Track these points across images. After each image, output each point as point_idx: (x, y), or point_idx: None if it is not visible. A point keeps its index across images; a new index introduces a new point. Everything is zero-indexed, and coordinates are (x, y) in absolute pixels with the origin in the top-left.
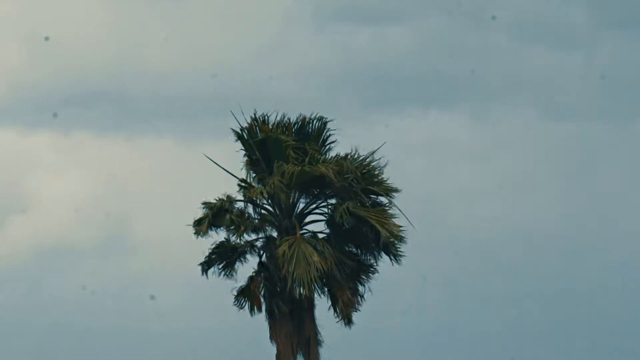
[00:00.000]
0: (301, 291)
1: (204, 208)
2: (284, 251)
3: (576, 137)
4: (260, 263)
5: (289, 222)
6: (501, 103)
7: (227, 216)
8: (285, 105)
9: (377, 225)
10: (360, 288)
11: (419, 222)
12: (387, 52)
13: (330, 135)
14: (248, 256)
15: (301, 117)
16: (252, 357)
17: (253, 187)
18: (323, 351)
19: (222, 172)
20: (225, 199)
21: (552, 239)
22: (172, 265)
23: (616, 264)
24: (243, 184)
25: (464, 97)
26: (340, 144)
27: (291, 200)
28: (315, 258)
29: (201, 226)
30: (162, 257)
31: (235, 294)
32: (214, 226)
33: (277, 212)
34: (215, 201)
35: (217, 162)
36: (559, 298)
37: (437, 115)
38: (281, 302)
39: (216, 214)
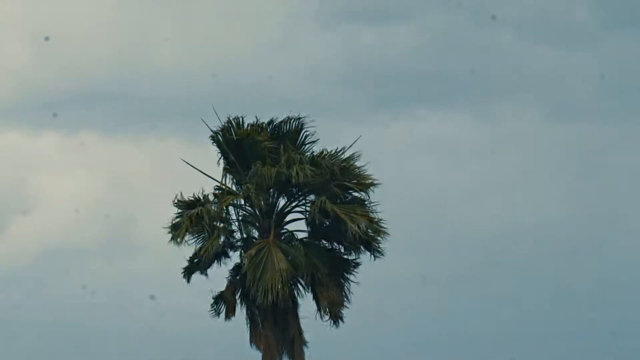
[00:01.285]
0: (265, 299)
1: (178, 207)
2: (251, 256)
3: (580, 136)
4: (237, 266)
5: (269, 222)
6: (506, 102)
7: (203, 222)
8: (289, 104)
9: (347, 221)
10: (346, 285)
11: (424, 221)
12: (391, 51)
13: (307, 134)
14: (228, 258)
15: (277, 118)
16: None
17: (227, 194)
18: (309, 351)
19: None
20: (201, 199)
21: (555, 238)
22: (175, 265)
23: (621, 263)
24: (218, 191)
25: (468, 96)
26: (321, 142)
27: (270, 200)
28: (283, 265)
29: (179, 232)
30: (166, 257)
31: (213, 300)
32: (191, 232)
33: (257, 212)
34: (190, 200)
35: (194, 166)
36: (562, 297)
37: (441, 115)
38: (261, 304)
39: (193, 221)
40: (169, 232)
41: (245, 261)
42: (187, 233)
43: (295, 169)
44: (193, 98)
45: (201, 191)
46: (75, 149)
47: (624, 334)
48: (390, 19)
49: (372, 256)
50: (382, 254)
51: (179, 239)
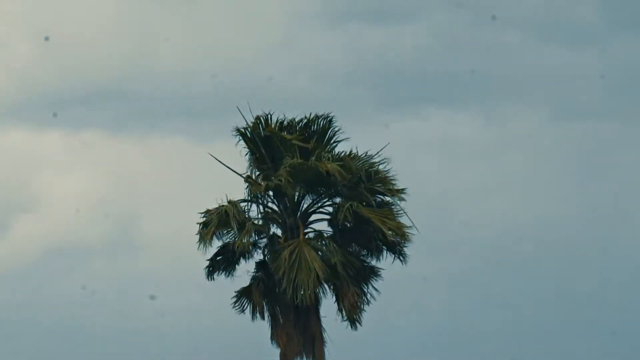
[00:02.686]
0: (302, 298)
1: (204, 216)
2: (286, 257)
3: (585, 136)
4: (261, 264)
5: (294, 220)
6: (512, 102)
7: (230, 220)
8: (296, 103)
9: (379, 224)
10: (365, 290)
11: (430, 221)
12: (398, 51)
13: (335, 133)
14: (251, 257)
15: (306, 116)
16: (256, 357)
17: (259, 183)
18: (328, 351)
19: (231, 172)
20: (228, 204)
21: (560, 238)
22: (180, 264)
23: (626, 263)
24: (249, 180)
25: (475, 96)
26: (347, 143)
27: (296, 198)
28: (317, 264)
29: (207, 231)
30: (170, 256)
31: (236, 296)
32: (217, 232)
33: (282, 210)
34: (216, 207)
35: (222, 161)
36: (565, 298)
37: (448, 115)
38: (283, 302)
39: (220, 221)
40: (197, 235)
41: (283, 259)
42: (217, 231)
43: (329, 165)
44: (197, 97)
45: (223, 198)
46: (78, 148)
47: (630, 334)
48: (396, 19)
49: (399, 260)
50: (406, 261)
51: (207, 238)
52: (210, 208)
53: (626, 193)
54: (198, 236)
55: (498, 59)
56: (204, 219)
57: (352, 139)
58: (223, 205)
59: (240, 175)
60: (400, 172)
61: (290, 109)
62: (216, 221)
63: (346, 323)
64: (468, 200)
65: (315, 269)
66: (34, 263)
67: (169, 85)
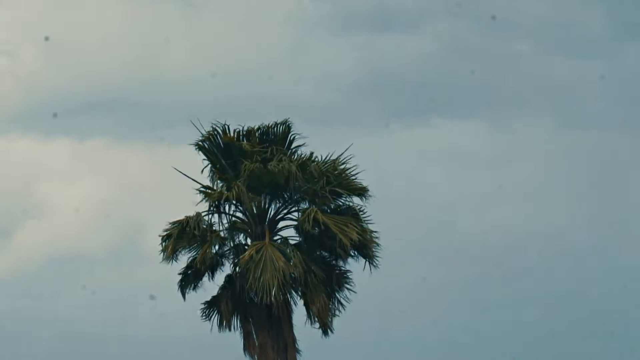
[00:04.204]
0: (272, 297)
1: (165, 230)
2: (252, 256)
3: (593, 146)
4: (229, 276)
5: (261, 228)
6: (519, 111)
7: (190, 232)
8: (303, 111)
9: (336, 232)
10: (338, 295)
11: (435, 230)
12: (405, 60)
13: (295, 137)
14: (220, 268)
15: (264, 124)
16: None
17: (215, 190)
18: (301, 359)
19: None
20: (193, 216)
21: (567, 247)
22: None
23: (632, 272)
24: (205, 190)
25: (481, 105)
26: (306, 148)
27: (262, 205)
28: (282, 263)
29: (167, 244)
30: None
31: (204, 306)
32: (182, 247)
33: (249, 218)
34: (179, 219)
35: (184, 172)
36: (573, 306)
37: (454, 124)
38: (255, 312)
39: (182, 233)
40: (160, 249)
41: (245, 259)
42: (178, 247)
43: (287, 165)
44: (203, 105)
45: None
46: (84, 156)
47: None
48: (403, 27)
49: (370, 265)
50: (377, 266)
51: (167, 252)
52: (172, 220)
53: (632, 202)
54: (160, 249)
55: (505, 68)
56: (166, 232)
57: (361, 148)
58: (186, 217)
59: (200, 183)
60: (407, 181)
61: (293, 118)
62: (176, 233)
63: (318, 330)
64: (474, 209)
65: (280, 268)
66: (38, 270)
67: (175, 93)
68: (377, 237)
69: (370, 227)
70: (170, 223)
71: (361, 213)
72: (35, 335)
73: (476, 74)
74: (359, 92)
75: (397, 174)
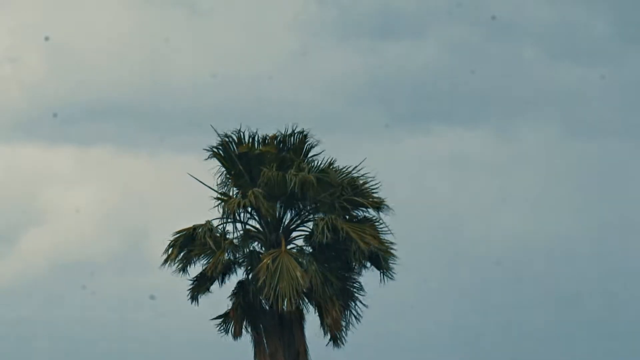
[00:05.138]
0: (284, 306)
1: (171, 239)
2: (268, 264)
3: (599, 153)
4: (242, 283)
5: (276, 236)
6: (524, 119)
7: (200, 240)
8: (304, 119)
9: (355, 237)
10: (351, 306)
11: (440, 237)
12: (410, 67)
13: (312, 147)
14: (234, 274)
15: (280, 131)
16: None
17: (231, 197)
18: None
19: None
20: (203, 224)
21: (572, 255)
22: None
23: (637, 279)
24: (222, 197)
25: (487, 112)
26: (324, 155)
27: (277, 214)
28: (298, 272)
29: (171, 252)
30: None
31: (218, 317)
32: (194, 256)
33: (263, 226)
34: (186, 228)
35: (200, 179)
36: (577, 314)
37: (459, 132)
38: (267, 319)
39: (191, 242)
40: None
41: (264, 267)
42: (189, 256)
43: (306, 175)
44: (209, 112)
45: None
46: (88, 162)
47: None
48: (409, 34)
49: (382, 276)
50: (392, 277)
51: (172, 259)
52: (180, 229)
53: (637, 210)
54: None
55: (511, 75)
56: (172, 240)
57: (363, 154)
58: (196, 225)
59: (216, 191)
60: (412, 188)
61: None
62: (180, 242)
63: (329, 341)
64: (478, 216)
65: (297, 277)
66: (42, 277)
67: (180, 100)
68: (394, 249)
69: (387, 238)
70: (176, 232)
71: (378, 224)
72: (39, 341)
73: (480, 80)
74: (363, 99)
75: (401, 181)
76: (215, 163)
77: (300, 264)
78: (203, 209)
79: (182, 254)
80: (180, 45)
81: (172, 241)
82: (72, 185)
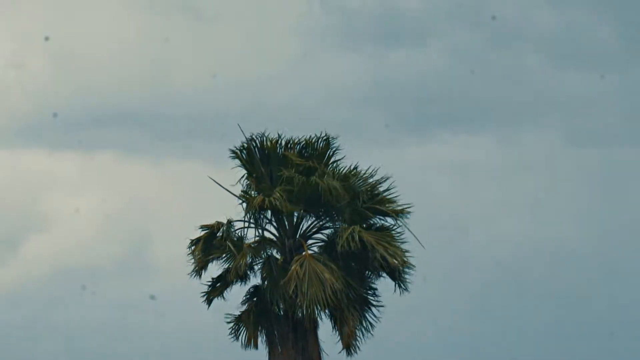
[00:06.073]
0: (317, 311)
1: (201, 230)
2: (297, 270)
3: (602, 161)
4: (256, 288)
5: (293, 242)
6: (528, 125)
7: (226, 242)
8: (308, 125)
9: (381, 250)
10: (367, 316)
11: (444, 244)
12: (413, 73)
13: (334, 153)
14: (248, 280)
15: (304, 137)
16: None
17: (255, 196)
18: None
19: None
20: (224, 222)
21: (575, 262)
22: (191, 287)
23: (638, 284)
24: (245, 195)
25: (490, 120)
26: (346, 162)
27: (295, 219)
28: (327, 275)
29: (197, 247)
30: (182, 278)
31: (231, 323)
32: (212, 257)
33: (281, 232)
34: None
35: (221, 184)
36: (580, 321)
37: (463, 138)
38: (280, 325)
39: (211, 240)
40: (189, 247)
41: (293, 273)
42: (209, 257)
43: (331, 181)
44: (214, 118)
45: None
46: (92, 168)
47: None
48: (413, 41)
49: (399, 288)
50: (407, 289)
51: (196, 253)
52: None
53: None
54: (190, 256)
55: (515, 82)
56: (199, 235)
57: (360, 160)
58: (217, 222)
59: (235, 195)
60: (417, 195)
61: (302, 131)
62: (205, 238)
63: (342, 350)
64: (482, 223)
65: (328, 279)
66: (45, 283)
67: (184, 105)
68: (411, 257)
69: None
70: (200, 227)
71: (396, 235)
72: (41, 346)
73: (484, 86)
74: (367, 105)
75: (405, 187)
76: (235, 163)
77: (327, 267)
78: (209, 214)
79: (199, 256)
80: (185, 50)
81: (194, 240)
82: (75, 190)
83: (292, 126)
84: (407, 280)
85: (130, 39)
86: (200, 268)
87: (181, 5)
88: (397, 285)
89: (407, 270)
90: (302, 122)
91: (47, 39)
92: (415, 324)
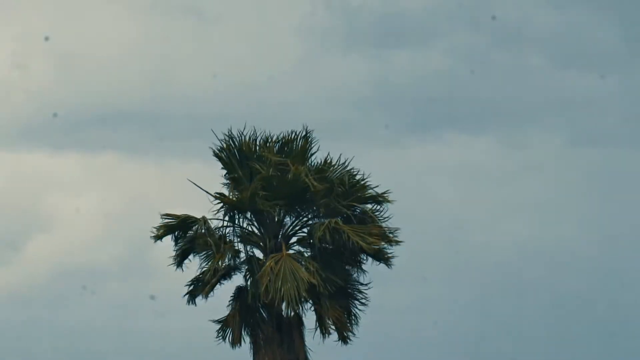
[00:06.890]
0: (289, 309)
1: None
2: (271, 267)
3: (605, 162)
4: (239, 288)
5: (276, 242)
6: (531, 127)
7: (204, 240)
8: (310, 124)
9: (358, 240)
10: (353, 306)
11: (446, 245)
12: (416, 75)
13: (314, 150)
14: (230, 279)
15: (283, 135)
16: None
17: (228, 198)
18: None
19: None
20: (199, 218)
21: (578, 263)
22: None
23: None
24: (219, 197)
25: (494, 120)
26: (322, 154)
27: (276, 218)
28: (303, 274)
29: (159, 231)
30: (184, 280)
31: (217, 323)
32: (193, 252)
33: (263, 232)
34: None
35: (200, 186)
36: (582, 324)
37: (466, 139)
38: (265, 325)
39: (183, 233)
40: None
41: (267, 270)
42: (188, 250)
43: (304, 177)
44: (218, 119)
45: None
46: (94, 169)
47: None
48: (416, 42)
49: (386, 265)
50: (390, 265)
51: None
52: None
53: None
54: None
55: (518, 83)
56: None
57: (361, 160)
58: (189, 216)
59: (214, 195)
60: (417, 196)
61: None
62: (173, 225)
63: (331, 342)
64: (485, 224)
65: (301, 278)
66: (46, 283)
67: (186, 106)
68: (397, 235)
69: (389, 224)
70: (164, 215)
71: (377, 214)
72: (44, 346)
73: (487, 87)
74: (369, 106)
75: (407, 188)
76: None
77: (303, 265)
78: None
79: (178, 248)
80: (188, 52)
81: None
82: (77, 191)
83: (292, 126)
84: (392, 256)
85: (132, 40)
86: (179, 262)
87: (182, 5)
88: (382, 263)
89: (389, 248)
90: (301, 122)
91: (47, 39)
92: (416, 324)
